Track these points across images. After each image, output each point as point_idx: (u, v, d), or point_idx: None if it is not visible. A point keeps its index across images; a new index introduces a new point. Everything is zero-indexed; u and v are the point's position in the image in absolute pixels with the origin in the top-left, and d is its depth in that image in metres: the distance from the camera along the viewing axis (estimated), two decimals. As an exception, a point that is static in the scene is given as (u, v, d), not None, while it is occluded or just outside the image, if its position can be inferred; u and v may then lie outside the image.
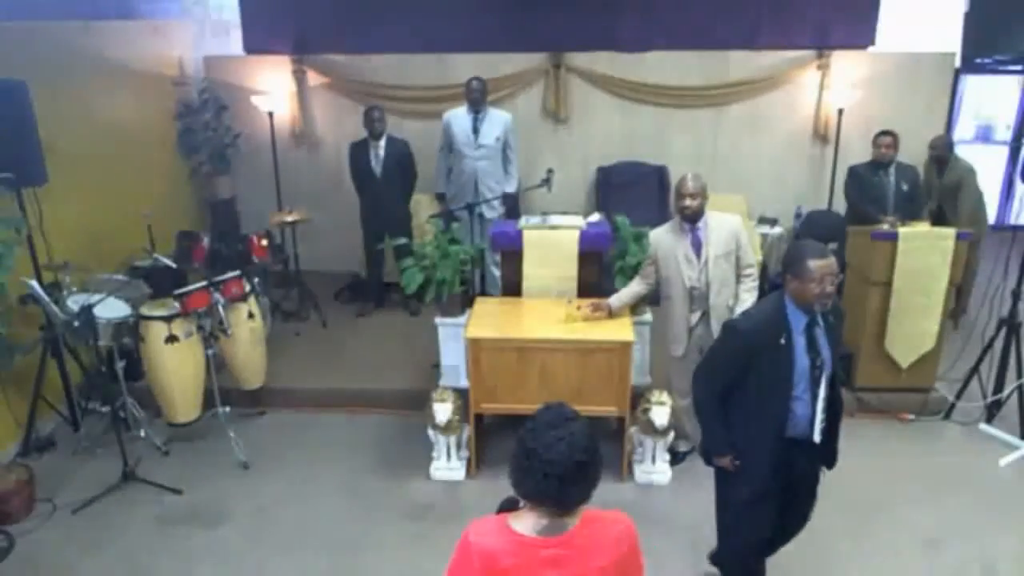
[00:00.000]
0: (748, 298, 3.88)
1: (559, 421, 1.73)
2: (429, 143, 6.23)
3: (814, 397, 2.68)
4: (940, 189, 5.73)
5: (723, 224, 3.85)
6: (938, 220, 5.68)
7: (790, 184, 6.74)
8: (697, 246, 3.84)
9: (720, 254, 3.82)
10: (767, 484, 2.78)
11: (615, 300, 4.09)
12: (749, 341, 2.67)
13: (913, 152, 6.08)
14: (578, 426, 1.73)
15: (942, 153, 5.68)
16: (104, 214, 5.33)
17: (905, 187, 5.25)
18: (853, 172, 5.46)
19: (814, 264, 2.53)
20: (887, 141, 5.22)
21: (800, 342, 2.65)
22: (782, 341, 2.63)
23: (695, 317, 3.94)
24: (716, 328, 3.83)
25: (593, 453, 1.72)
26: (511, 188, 5.83)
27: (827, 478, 2.97)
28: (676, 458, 4.30)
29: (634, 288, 4.10)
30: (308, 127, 6.97)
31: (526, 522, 1.75)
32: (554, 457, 1.67)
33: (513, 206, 6.10)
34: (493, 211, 5.74)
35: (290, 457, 4.43)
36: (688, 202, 3.75)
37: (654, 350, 4.63)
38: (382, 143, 5.75)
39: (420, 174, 6.03)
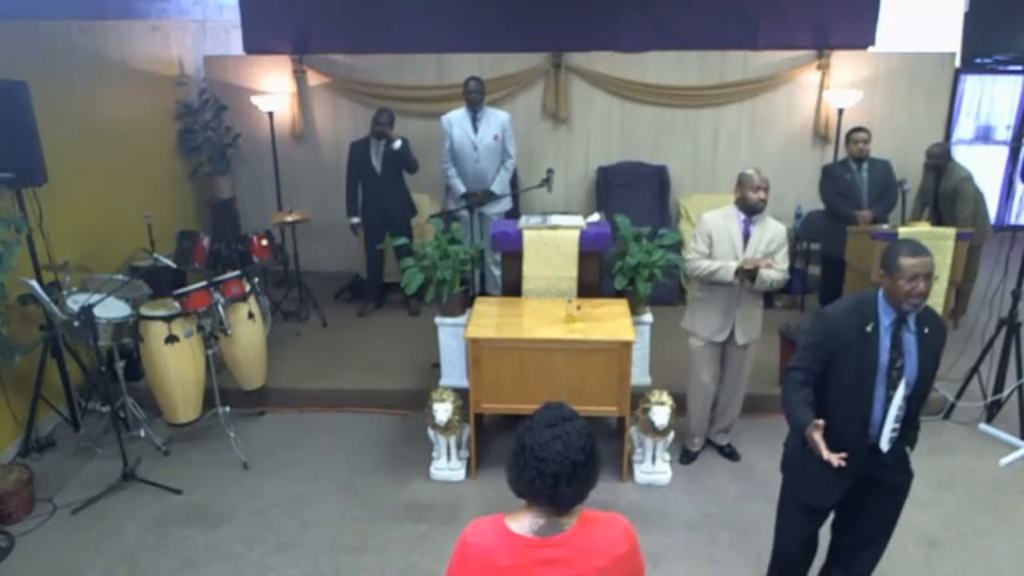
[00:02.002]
0: (772, 272, 3.87)
1: (556, 420, 1.73)
2: (429, 143, 6.24)
3: (888, 400, 2.63)
4: (939, 196, 5.74)
5: (772, 227, 3.94)
6: (938, 226, 5.68)
7: (790, 184, 6.74)
8: (746, 237, 3.91)
9: (761, 252, 3.88)
10: (839, 493, 2.76)
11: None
12: (835, 323, 2.65)
13: (913, 152, 6.10)
14: (575, 426, 1.73)
15: (939, 162, 5.68)
16: (104, 214, 5.33)
17: (878, 182, 5.28)
18: (826, 171, 5.51)
19: (905, 262, 2.50)
20: (864, 137, 5.28)
21: (885, 337, 2.61)
22: (868, 329, 2.61)
23: (737, 306, 3.98)
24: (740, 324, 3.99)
25: (589, 454, 1.71)
26: (499, 188, 5.79)
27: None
28: (688, 456, 4.33)
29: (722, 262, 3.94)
30: (308, 127, 6.97)
31: (523, 522, 1.74)
32: (549, 456, 1.67)
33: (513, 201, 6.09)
34: (493, 210, 5.75)
35: (290, 457, 4.43)
36: (764, 195, 3.83)
37: (654, 350, 4.64)
38: (383, 141, 5.76)
39: (420, 175, 6.03)
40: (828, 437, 2.68)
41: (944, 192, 5.68)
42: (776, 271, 3.89)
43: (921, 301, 2.54)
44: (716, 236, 3.93)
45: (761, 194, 3.83)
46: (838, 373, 2.66)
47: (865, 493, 2.79)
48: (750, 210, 3.88)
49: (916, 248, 2.54)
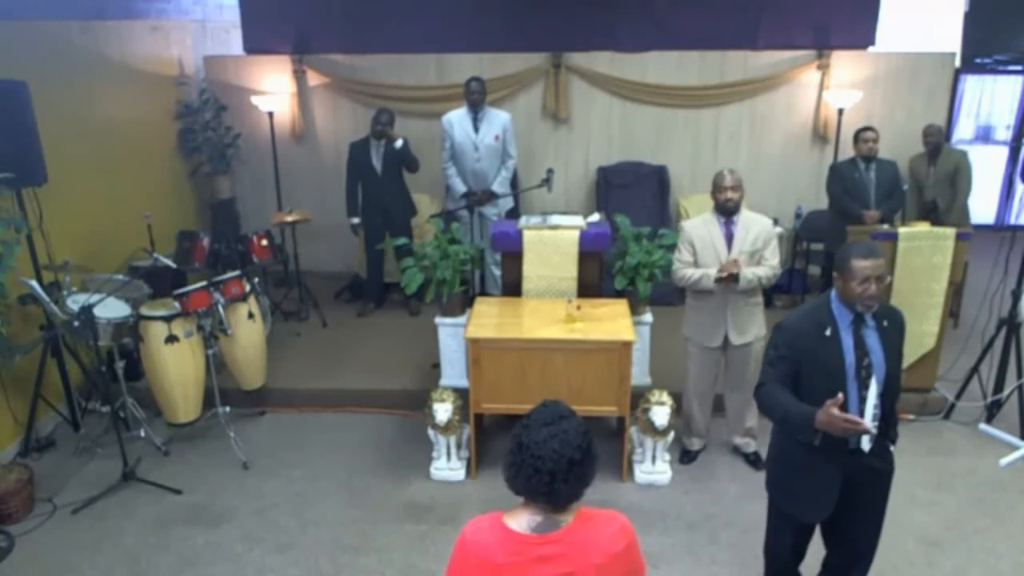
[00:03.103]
0: (758, 270, 3.86)
1: (553, 418, 1.73)
2: (429, 143, 6.24)
3: (862, 400, 2.61)
4: (934, 179, 5.75)
5: (756, 223, 3.93)
6: (931, 212, 5.69)
7: (790, 184, 6.74)
8: (729, 239, 3.90)
9: (747, 251, 3.88)
10: (831, 503, 2.74)
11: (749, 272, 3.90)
12: (794, 332, 2.64)
13: (913, 152, 6.09)
14: (572, 424, 1.73)
15: (938, 139, 5.71)
16: (104, 214, 5.33)
17: (885, 182, 5.31)
18: (834, 169, 5.54)
19: (857, 264, 2.51)
20: (872, 136, 5.30)
21: (847, 338, 2.61)
22: (827, 333, 2.60)
23: (727, 307, 3.96)
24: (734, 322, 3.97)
25: (586, 451, 1.72)
26: (500, 188, 5.79)
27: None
28: (688, 456, 4.32)
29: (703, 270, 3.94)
30: (308, 127, 6.98)
31: (520, 519, 1.75)
32: (546, 454, 1.68)
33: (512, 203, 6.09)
34: (493, 210, 5.74)
35: (290, 457, 4.43)
36: (731, 195, 3.83)
37: (654, 350, 4.64)
38: (383, 141, 5.76)
39: (420, 175, 6.03)
40: (808, 446, 2.67)
41: (942, 172, 5.70)
42: (765, 267, 3.89)
43: (874, 303, 2.55)
44: (699, 243, 3.93)
45: (728, 194, 3.82)
46: (808, 382, 2.64)
47: (850, 502, 2.77)
48: (723, 211, 3.88)
49: (868, 250, 2.53)
